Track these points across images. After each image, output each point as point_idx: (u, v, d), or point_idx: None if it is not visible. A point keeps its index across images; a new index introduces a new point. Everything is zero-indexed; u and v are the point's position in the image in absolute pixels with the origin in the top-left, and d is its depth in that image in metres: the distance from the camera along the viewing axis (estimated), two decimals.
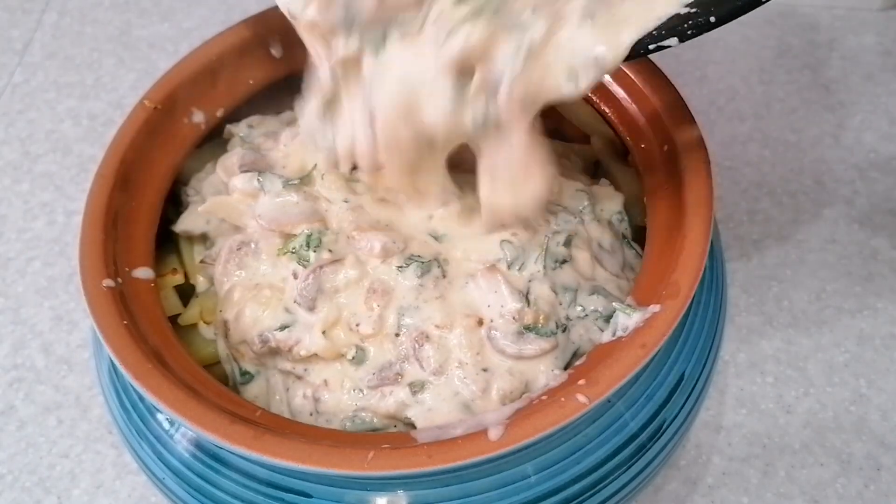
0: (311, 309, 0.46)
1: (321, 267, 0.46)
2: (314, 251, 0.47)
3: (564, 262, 0.47)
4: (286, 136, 0.53)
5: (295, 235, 0.48)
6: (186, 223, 0.53)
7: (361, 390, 0.45)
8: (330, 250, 0.47)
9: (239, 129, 0.56)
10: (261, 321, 0.47)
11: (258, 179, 0.50)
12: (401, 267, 0.46)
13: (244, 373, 0.49)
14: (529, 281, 0.46)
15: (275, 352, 0.47)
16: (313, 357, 0.46)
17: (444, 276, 0.46)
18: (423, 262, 0.46)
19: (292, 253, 0.47)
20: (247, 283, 0.49)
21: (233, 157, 0.52)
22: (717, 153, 0.73)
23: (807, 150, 0.74)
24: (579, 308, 0.46)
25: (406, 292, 0.46)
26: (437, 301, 0.45)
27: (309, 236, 0.47)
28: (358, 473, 0.38)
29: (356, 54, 0.44)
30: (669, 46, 0.39)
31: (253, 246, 0.49)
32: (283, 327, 0.47)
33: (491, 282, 0.45)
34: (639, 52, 0.40)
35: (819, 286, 0.66)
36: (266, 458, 0.38)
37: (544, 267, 0.47)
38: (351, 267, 0.47)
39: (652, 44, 0.39)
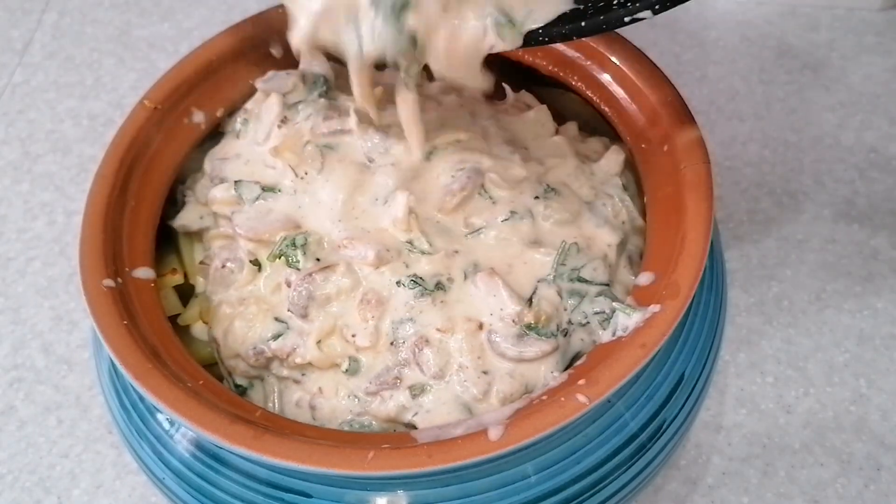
0: (304, 317, 0.46)
1: (310, 274, 0.46)
2: (302, 252, 0.47)
3: (602, 286, 0.47)
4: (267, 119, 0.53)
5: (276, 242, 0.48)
6: (183, 219, 0.53)
7: (357, 397, 0.45)
8: (318, 258, 0.47)
9: (230, 125, 0.56)
10: (251, 335, 0.47)
11: (234, 189, 0.50)
12: (400, 282, 0.46)
13: (237, 385, 0.48)
14: (538, 281, 0.46)
15: (271, 360, 0.47)
16: (308, 364, 0.46)
17: (445, 293, 0.46)
18: (426, 290, 0.45)
19: (279, 257, 0.47)
20: (232, 300, 0.49)
21: (208, 161, 0.53)
22: (717, 153, 0.73)
23: (807, 150, 0.74)
24: (582, 314, 0.46)
25: (401, 305, 0.45)
26: (435, 308, 0.45)
27: (293, 239, 0.47)
28: (358, 473, 0.38)
29: None
30: (644, 18, 0.39)
31: (234, 264, 0.49)
32: (276, 336, 0.47)
33: (490, 285, 0.45)
34: (614, 25, 0.40)
35: (819, 286, 0.66)
36: (266, 458, 0.38)
37: (555, 271, 0.46)
38: (342, 275, 0.46)
39: (627, 16, 0.39)
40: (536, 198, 0.49)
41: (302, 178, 0.49)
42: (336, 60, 0.56)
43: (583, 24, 0.41)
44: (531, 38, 0.43)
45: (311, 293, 0.46)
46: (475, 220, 0.48)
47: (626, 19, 0.39)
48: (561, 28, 0.42)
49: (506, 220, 0.48)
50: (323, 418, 0.46)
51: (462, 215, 0.48)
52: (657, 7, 0.38)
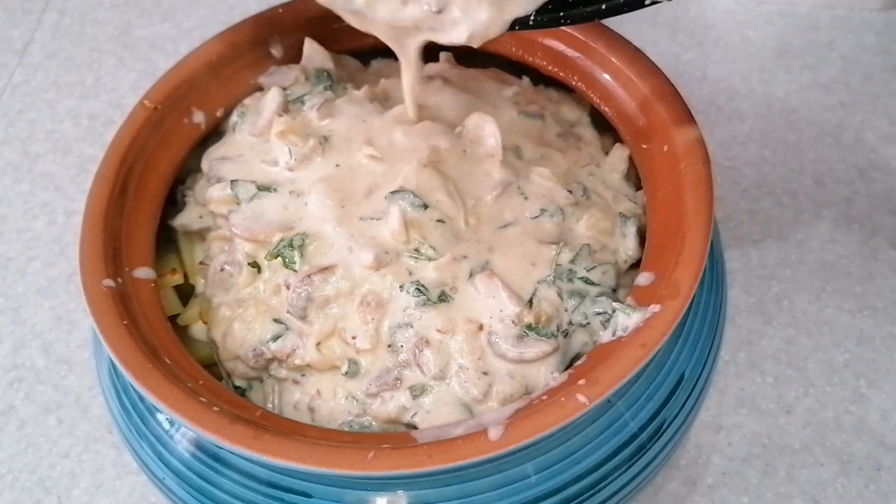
0: (303, 319, 0.46)
1: (309, 276, 0.46)
2: (299, 253, 0.47)
3: (602, 290, 0.47)
4: (265, 115, 0.52)
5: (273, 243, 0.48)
6: (183, 219, 0.53)
7: (356, 398, 0.45)
8: (315, 260, 0.47)
9: (231, 121, 0.55)
10: (250, 337, 0.47)
11: (231, 188, 0.50)
12: (403, 287, 0.45)
13: (236, 387, 0.48)
14: (538, 282, 0.46)
15: (270, 361, 0.47)
16: (308, 366, 0.46)
17: (448, 302, 0.45)
18: (429, 300, 0.45)
19: (276, 257, 0.47)
20: (231, 302, 0.49)
21: (205, 161, 0.53)
22: (717, 153, 0.73)
23: (807, 150, 0.74)
24: (582, 314, 0.46)
25: (401, 308, 0.45)
26: (436, 310, 0.45)
27: (290, 240, 0.47)
28: (358, 473, 0.38)
29: None
30: (661, 1, 0.40)
31: (232, 268, 0.49)
32: (275, 338, 0.47)
33: (489, 286, 0.45)
34: (635, 7, 0.40)
35: (819, 286, 0.66)
36: (266, 458, 0.38)
37: (554, 272, 0.46)
38: (341, 277, 0.46)
39: None
40: (570, 191, 0.49)
41: (295, 169, 0.49)
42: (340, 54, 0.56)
43: (603, 6, 0.41)
44: (551, 21, 0.43)
45: (309, 295, 0.46)
46: (506, 216, 0.48)
47: (647, 2, 0.39)
48: (582, 10, 0.42)
49: (535, 217, 0.48)
50: (322, 420, 0.46)
51: (497, 209, 0.48)
52: None
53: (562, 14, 0.42)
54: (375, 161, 0.49)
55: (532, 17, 0.43)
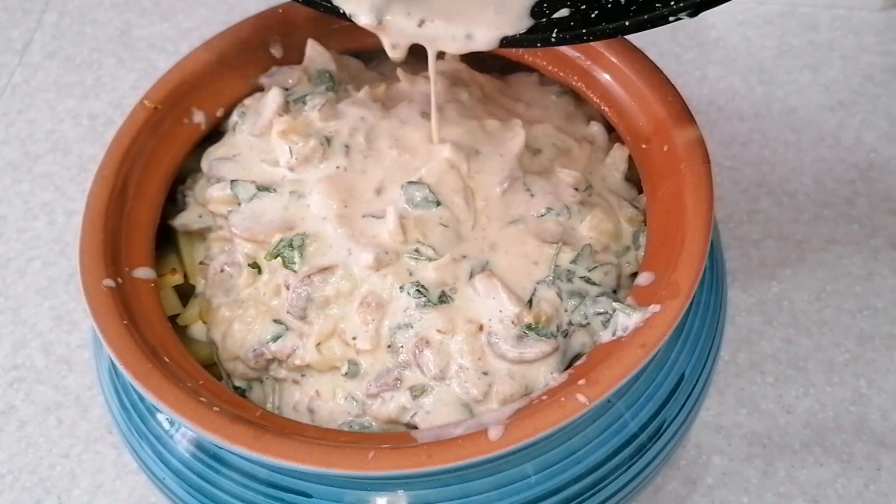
0: (303, 319, 0.46)
1: (309, 276, 0.46)
2: (299, 253, 0.47)
3: (596, 287, 0.47)
4: (265, 114, 0.52)
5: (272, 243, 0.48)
6: (183, 218, 0.53)
7: (355, 399, 0.45)
8: (315, 260, 0.47)
9: (231, 121, 0.55)
10: (250, 337, 0.47)
11: (230, 188, 0.50)
12: (403, 288, 0.45)
13: (235, 388, 0.48)
14: (537, 282, 0.46)
15: (270, 362, 0.47)
16: (308, 366, 0.46)
17: (448, 303, 0.45)
18: (429, 301, 0.45)
19: (276, 257, 0.47)
20: (231, 303, 0.48)
21: (205, 161, 0.53)
22: (717, 153, 0.73)
23: (807, 150, 0.74)
24: (582, 314, 0.46)
25: (401, 309, 0.45)
26: (436, 311, 0.45)
27: (290, 240, 0.47)
28: (358, 473, 0.38)
29: None
30: (681, 18, 0.40)
31: (232, 268, 0.49)
32: (275, 338, 0.47)
33: (489, 287, 0.45)
34: (657, 24, 0.40)
35: (819, 286, 0.66)
36: (266, 458, 0.38)
37: (553, 272, 0.46)
38: (341, 277, 0.46)
39: (671, 15, 0.39)
40: (576, 189, 0.49)
41: (296, 169, 0.49)
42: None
43: (626, 23, 0.41)
44: (573, 38, 0.43)
45: (309, 295, 0.46)
46: (512, 213, 0.48)
47: (670, 18, 0.39)
48: (605, 27, 0.42)
49: (541, 216, 0.48)
50: (321, 421, 0.46)
51: (503, 205, 0.48)
52: (701, 5, 0.38)
53: (584, 31, 0.42)
54: (386, 159, 0.49)
55: (554, 34, 0.43)
